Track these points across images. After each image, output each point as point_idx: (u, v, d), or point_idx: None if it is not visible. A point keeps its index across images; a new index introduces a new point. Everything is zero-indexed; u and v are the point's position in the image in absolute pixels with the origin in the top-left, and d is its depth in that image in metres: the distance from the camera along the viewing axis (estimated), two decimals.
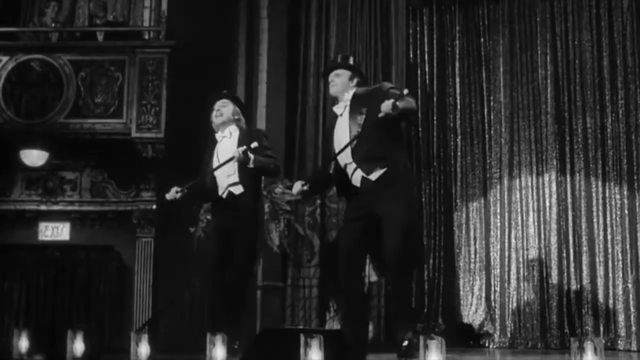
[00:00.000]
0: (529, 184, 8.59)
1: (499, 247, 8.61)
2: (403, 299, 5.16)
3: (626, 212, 8.08)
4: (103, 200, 8.84)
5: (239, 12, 9.29)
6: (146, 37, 8.68)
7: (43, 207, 8.85)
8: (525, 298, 8.40)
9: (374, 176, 5.09)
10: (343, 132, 5.29)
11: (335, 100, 5.53)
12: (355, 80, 5.43)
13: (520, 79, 8.83)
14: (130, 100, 8.44)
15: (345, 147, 5.16)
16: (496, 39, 9.03)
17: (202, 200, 7.28)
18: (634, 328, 7.78)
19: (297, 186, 5.40)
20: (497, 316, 8.46)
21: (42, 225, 8.92)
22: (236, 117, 5.96)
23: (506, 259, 8.55)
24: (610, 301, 7.99)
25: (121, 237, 8.79)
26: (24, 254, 8.86)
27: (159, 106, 8.37)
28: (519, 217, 8.58)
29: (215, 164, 5.82)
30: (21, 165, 8.66)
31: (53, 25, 8.80)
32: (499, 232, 8.65)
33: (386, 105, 4.93)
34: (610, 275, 8.06)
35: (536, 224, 8.50)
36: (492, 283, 8.58)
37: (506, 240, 8.59)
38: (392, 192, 5.05)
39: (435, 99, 9.13)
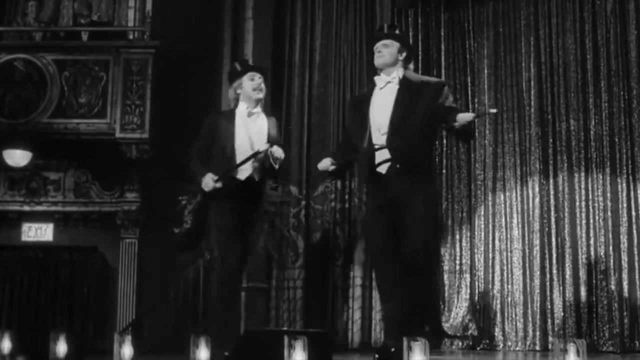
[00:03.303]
0: (513, 185, 8.62)
1: (482, 248, 8.63)
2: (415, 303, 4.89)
3: (609, 214, 8.12)
4: (87, 201, 8.82)
5: (224, 13, 9.29)
6: (131, 37, 8.66)
7: (26, 208, 8.82)
8: (509, 300, 8.42)
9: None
10: (384, 111, 4.98)
11: (377, 71, 5.18)
12: (404, 54, 5.12)
13: (505, 81, 8.86)
14: (114, 101, 8.42)
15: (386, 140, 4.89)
16: (481, 41, 9.06)
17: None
18: (616, 330, 7.82)
19: (326, 163, 5.14)
20: (481, 318, 8.48)
21: (26, 226, 8.89)
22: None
23: (490, 261, 8.57)
24: (593, 303, 8.02)
25: (105, 238, 8.78)
26: (7, 254, 8.83)
27: (143, 106, 8.35)
28: (503, 219, 8.61)
29: (240, 137, 5.41)
30: (4, 166, 8.63)
31: (37, 24, 8.76)
32: (482, 234, 8.67)
33: (465, 117, 4.75)
34: (593, 276, 8.09)
35: (520, 225, 8.52)
36: (476, 285, 8.59)
37: (490, 242, 8.61)
38: (414, 185, 4.83)
39: None
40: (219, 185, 5.27)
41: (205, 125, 5.59)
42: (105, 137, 8.38)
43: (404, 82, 5.03)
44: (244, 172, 5.36)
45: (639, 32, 8.24)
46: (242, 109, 5.51)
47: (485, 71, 8.98)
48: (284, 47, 9.26)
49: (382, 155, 4.93)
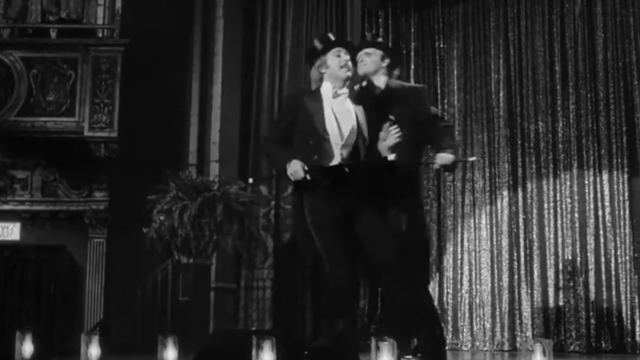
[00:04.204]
0: (482, 186, 8.67)
1: (451, 249, 8.68)
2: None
3: (576, 215, 8.19)
4: (54, 200, 8.72)
5: (194, 12, 9.26)
6: (100, 35, 8.58)
7: None
8: (477, 300, 8.48)
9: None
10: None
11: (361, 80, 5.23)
12: (386, 61, 5.20)
13: (474, 83, 8.92)
14: (82, 99, 8.34)
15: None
16: (450, 42, 9.12)
17: None
18: (582, 330, 7.89)
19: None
20: (449, 318, 8.53)
21: None
22: None
23: (458, 261, 8.63)
24: (560, 303, 8.10)
25: (73, 237, 8.69)
26: None
27: (112, 105, 8.27)
28: (471, 220, 8.66)
29: (329, 119, 4.89)
30: None
31: (4, 21, 8.67)
32: (451, 234, 8.72)
33: (445, 159, 4.78)
34: (561, 277, 8.16)
35: (488, 226, 8.58)
36: (445, 285, 8.64)
37: (458, 243, 8.66)
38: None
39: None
40: (309, 177, 4.71)
41: (289, 104, 5.22)
42: (73, 136, 8.29)
43: (388, 91, 5.11)
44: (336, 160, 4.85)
45: (606, 36, 8.32)
46: (327, 89, 5.03)
47: (455, 72, 9.03)
48: (254, 47, 9.25)
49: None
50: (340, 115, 4.92)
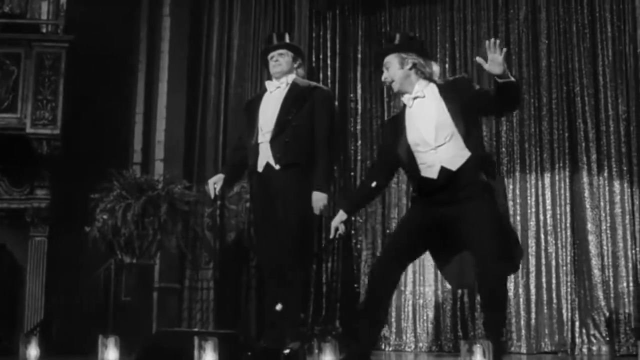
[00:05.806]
0: None
1: None
2: None
3: (518, 218, 8.26)
4: None
5: (141, 9, 9.20)
6: (44, 30, 8.46)
7: None
8: (421, 302, 8.54)
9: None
10: (273, 111, 5.48)
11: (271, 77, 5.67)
12: (298, 62, 5.64)
13: None
14: (25, 95, 8.20)
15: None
16: None
17: None
18: (523, 331, 8.00)
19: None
20: (392, 319, 8.58)
21: None
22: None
23: None
24: None
25: (13, 236, 8.56)
26: None
27: (55, 102, 8.16)
28: None
29: (411, 136, 4.68)
30: None
31: None
32: None
33: None
34: None
35: None
36: None
37: None
38: (289, 180, 5.52)
39: (336, 103, 9.19)
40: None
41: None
42: (15, 132, 8.16)
43: (294, 87, 5.55)
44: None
45: (550, 41, 8.44)
46: (406, 98, 4.84)
47: None
48: (201, 45, 9.22)
49: (264, 153, 5.44)
50: (420, 125, 4.65)
